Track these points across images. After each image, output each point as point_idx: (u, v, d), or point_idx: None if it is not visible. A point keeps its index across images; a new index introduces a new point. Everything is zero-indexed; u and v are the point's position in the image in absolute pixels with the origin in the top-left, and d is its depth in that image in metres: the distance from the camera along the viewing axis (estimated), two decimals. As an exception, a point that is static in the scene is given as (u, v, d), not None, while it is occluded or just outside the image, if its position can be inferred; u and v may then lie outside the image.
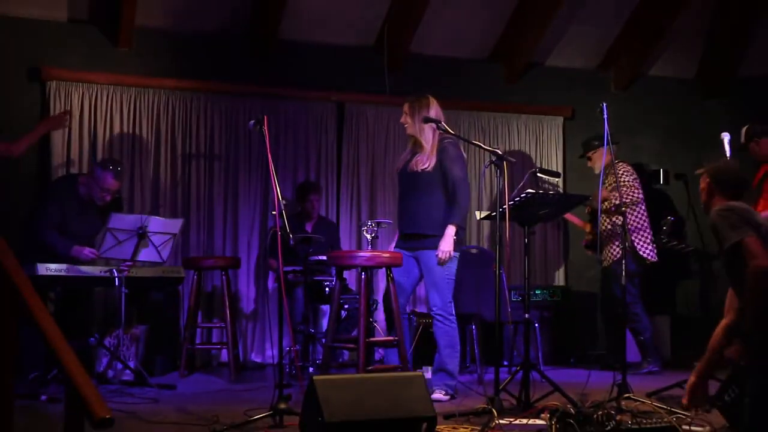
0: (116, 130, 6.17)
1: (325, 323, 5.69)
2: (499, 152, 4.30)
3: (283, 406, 3.76)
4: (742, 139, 5.40)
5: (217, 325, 6.06)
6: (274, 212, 4.01)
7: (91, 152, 6.07)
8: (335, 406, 3.21)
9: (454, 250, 4.61)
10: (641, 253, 5.81)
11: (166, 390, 4.85)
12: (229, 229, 6.43)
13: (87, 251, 5.06)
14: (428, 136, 4.67)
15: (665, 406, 4.03)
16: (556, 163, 7.18)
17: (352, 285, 5.97)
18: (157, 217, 5.09)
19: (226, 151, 6.46)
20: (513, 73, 7.14)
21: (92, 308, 5.32)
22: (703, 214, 5.52)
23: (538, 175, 6.07)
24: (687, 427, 3.68)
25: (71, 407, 2.26)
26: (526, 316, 4.37)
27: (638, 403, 4.07)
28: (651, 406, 4.05)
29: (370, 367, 4.61)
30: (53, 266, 4.85)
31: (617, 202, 5.74)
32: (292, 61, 6.63)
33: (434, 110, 4.71)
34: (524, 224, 4.51)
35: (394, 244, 4.97)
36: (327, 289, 5.62)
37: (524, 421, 3.85)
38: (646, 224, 5.94)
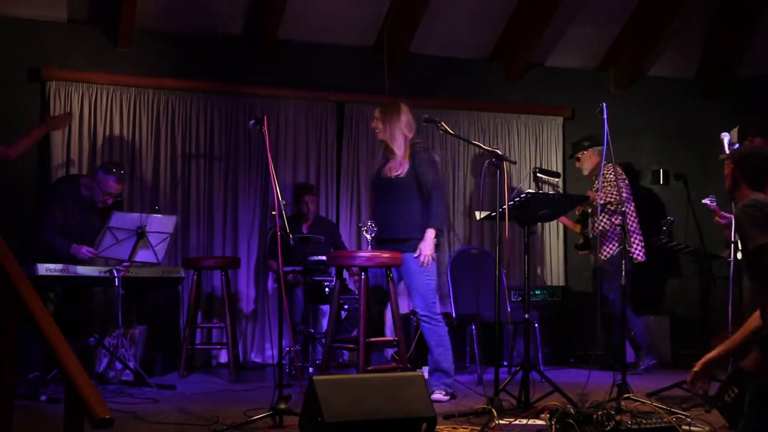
0: (116, 130, 6.17)
1: (324, 323, 5.69)
2: (499, 152, 4.30)
3: (282, 406, 3.76)
4: (735, 138, 5.41)
5: (217, 325, 6.06)
6: (273, 212, 4.01)
7: (90, 152, 6.06)
8: (335, 406, 3.21)
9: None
10: (631, 253, 5.82)
11: (165, 390, 4.85)
12: (228, 229, 6.43)
13: (84, 250, 5.06)
14: (400, 142, 4.70)
15: (665, 406, 4.03)
16: (555, 164, 7.18)
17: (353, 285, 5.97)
18: (156, 216, 5.09)
19: (225, 152, 6.46)
20: (513, 73, 7.14)
21: (92, 308, 5.32)
22: (703, 213, 5.55)
23: (538, 175, 6.08)
24: (687, 428, 3.68)
25: (71, 407, 2.26)
26: (526, 316, 4.37)
27: (638, 403, 4.07)
28: (651, 407, 4.05)
29: (370, 367, 4.61)
30: (53, 266, 4.85)
31: (602, 202, 5.77)
32: (291, 61, 6.63)
33: (405, 116, 4.74)
34: (524, 224, 4.51)
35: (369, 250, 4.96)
36: (327, 289, 5.62)
37: (524, 421, 3.85)
38: (635, 224, 5.95)
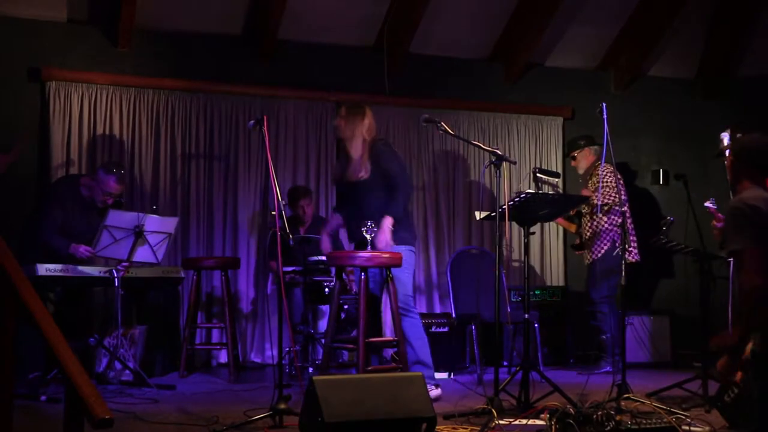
0: (116, 130, 6.17)
1: (324, 323, 5.69)
2: (499, 152, 4.31)
3: (282, 406, 3.76)
4: (725, 142, 5.43)
5: (217, 325, 6.06)
6: (273, 212, 4.01)
7: (90, 152, 6.06)
8: (335, 406, 3.21)
9: (408, 245, 4.71)
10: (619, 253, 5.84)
11: (165, 390, 4.85)
12: (228, 229, 6.43)
13: (83, 249, 5.06)
14: (357, 144, 4.74)
15: (665, 407, 4.03)
16: (555, 164, 7.18)
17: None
18: (153, 216, 5.09)
19: (225, 152, 6.46)
20: (513, 73, 7.14)
21: (92, 308, 5.32)
22: (703, 214, 5.55)
23: (538, 175, 6.08)
24: (687, 428, 3.68)
25: (71, 407, 2.26)
26: (526, 316, 4.37)
27: (638, 403, 4.07)
28: (651, 407, 4.05)
29: (370, 367, 4.61)
30: (53, 266, 4.85)
31: (598, 203, 5.79)
32: (291, 61, 6.63)
33: (368, 120, 4.77)
34: (524, 224, 4.51)
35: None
36: (327, 289, 5.62)
37: (524, 421, 3.85)
38: (629, 224, 5.95)
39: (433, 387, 4.54)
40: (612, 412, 3.78)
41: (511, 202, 4.24)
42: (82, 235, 5.17)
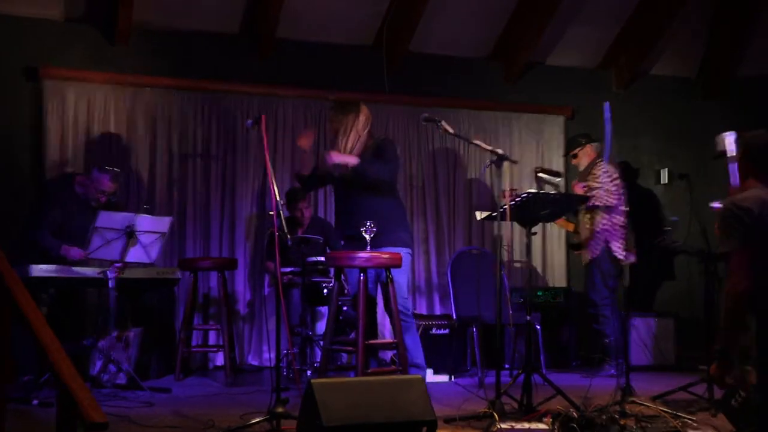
0: (112, 129, 6.13)
1: (322, 325, 5.65)
2: (500, 152, 4.28)
3: (280, 409, 3.72)
4: (727, 144, 5.39)
5: (214, 327, 6.03)
6: (271, 212, 3.97)
7: (86, 152, 6.03)
8: (333, 409, 3.17)
9: (407, 247, 4.78)
10: (615, 254, 5.82)
11: (161, 393, 4.82)
12: (225, 229, 6.39)
13: (74, 251, 5.03)
14: (353, 139, 4.81)
15: (670, 410, 4.00)
16: (556, 163, 7.15)
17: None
18: (145, 216, 5.06)
19: (223, 151, 6.42)
20: (513, 72, 7.12)
21: (86, 310, 5.28)
22: (707, 214, 5.52)
23: (540, 175, 6.05)
24: (692, 432, 3.65)
25: (64, 411, 2.23)
26: (528, 318, 4.33)
27: (642, 406, 4.04)
28: (656, 410, 4.02)
29: (369, 370, 4.57)
30: (46, 267, 4.82)
31: (600, 204, 5.77)
32: (290, 59, 6.60)
33: (363, 116, 4.84)
34: (525, 225, 4.47)
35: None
36: (325, 290, 5.58)
37: (526, 425, 3.82)
38: (624, 225, 5.91)
39: None
40: (616, 416, 3.75)
41: (512, 202, 4.20)
42: (75, 237, 5.13)
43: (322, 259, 5.46)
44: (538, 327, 5.86)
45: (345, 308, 5.57)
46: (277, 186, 4.01)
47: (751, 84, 7.44)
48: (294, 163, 6.57)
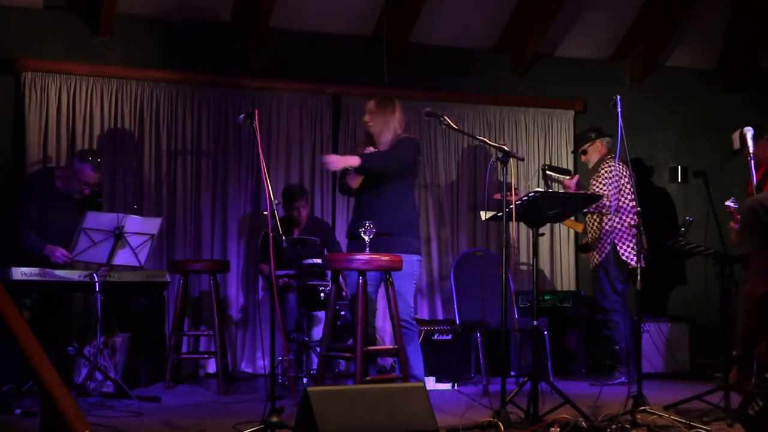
0: (96, 124, 6.16)
1: (319, 331, 5.68)
2: (506, 148, 4.30)
3: (275, 419, 3.76)
4: (737, 144, 5.43)
5: (205, 333, 6.05)
6: (265, 212, 4.00)
7: (69, 148, 6.05)
8: (331, 419, 3.21)
9: (418, 254, 4.85)
10: (623, 257, 5.84)
11: (149, 402, 4.85)
12: (217, 230, 6.42)
13: (59, 253, 5.04)
14: (388, 138, 4.86)
15: (684, 420, 4.03)
16: (566, 160, 7.18)
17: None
18: (134, 216, 5.08)
19: (214, 148, 6.45)
20: (520, 64, 7.14)
21: (71, 315, 5.31)
22: (724, 214, 5.55)
23: (548, 172, 6.07)
24: (707, 442, 3.68)
25: (48, 422, 2.26)
26: (535, 323, 4.36)
27: (655, 416, 4.06)
28: (669, 420, 4.05)
29: (368, 378, 4.61)
30: (29, 270, 4.84)
31: (613, 204, 5.79)
32: (284, 51, 6.62)
33: (399, 113, 4.91)
34: (532, 225, 4.50)
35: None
36: (322, 294, 5.61)
37: (533, 435, 3.86)
38: (631, 228, 5.92)
39: None
40: (627, 426, 3.78)
41: (519, 202, 4.23)
42: (57, 235, 5.16)
43: (319, 261, 5.49)
44: (545, 332, 5.89)
45: (342, 313, 5.61)
46: (271, 185, 4.04)
47: (776, 75, 7.48)
48: (288, 160, 6.61)
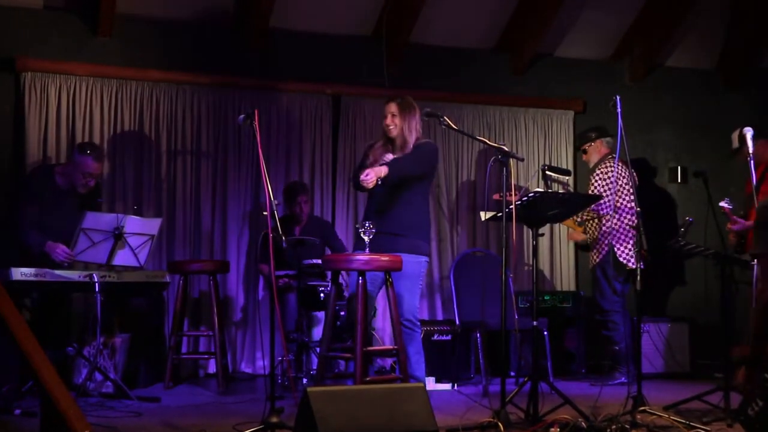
0: (96, 124, 6.16)
1: (319, 331, 5.68)
2: (506, 148, 4.31)
3: (275, 419, 3.76)
4: (736, 143, 5.44)
5: (205, 333, 6.05)
6: (265, 213, 4.01)
7: (68, 149, 6.05)
8: (330, 419, 3.21)
9: (426, 256, 4.89)
10: (621, 258, 5.84)
11: (149, 403, 4.85)
12: (217, 230, 6.42)
13: (60, 250, 5.04)
14: (413, 140, 4.88)
15: (684, 420, 4.03)
16: (566, 161, 7.18)
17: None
18: (134, 217, 5.09)
19: (214, 148, 6.45)
20: (520, 64, 7.14)
21: (70, 316, 5.32)
22: (723, 215, 5.56)
23: (547, 173, 6.08)
24: (707, 442, 3.69)
25: (47, 422, 2.26)
26: (534, 323, 4.36)
27: (655, 416, 4.07)
28: (669, 420, 4.06)
29: (368, 378, 4.61)
30: (29, 271, 4.84)
31: (613, 204, 5.80)
32: (284, 51, 6.63)
33: (418, 113, 4.93)
34: (532, 226, 4.51)
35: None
36: (322, 294, 5.62)
37: (533, 436, 3.86)
38: (630, 229, 5.92)
39: None
40: (627, 426, 3.78)
41: (519, 202, 4.24)
42: (58, 232, 5.15)
43: (319, 261, 5.49)
44: (545, 333, 5.89)
45: (342, 313, 5.61)
46: (271, 185, 4.04)
47: (776, 75, 7.48)
48: (288, 161, 6.61)
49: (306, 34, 6.67)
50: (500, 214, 4.31)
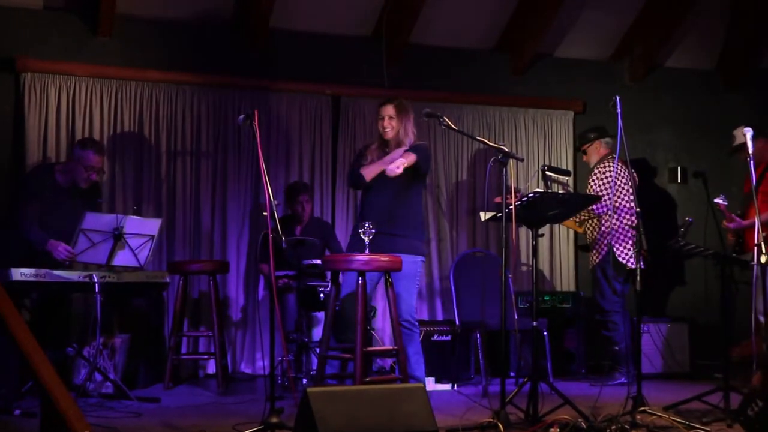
0: (96, 125, 6.17)
1: (319, 331, 5.68)
2: (505, 149, 4.31)
3: (274, 419, 3.76)
4: (747, 138, 5.43)
5: (204, 333, 6.05)
6: (265, 213, 4.01)
7: (68, 149, 6.05)
8: (330, 420, 3.21)
9: (422, 255, 4.99)
10: (620, 258, 5.84)
11: (149, 403, 4.85)
12: (217, 231, 6.42)
13: (62, 248, 5.03)
14: (410, 141, 4.97)
15: (684, 421, 4.03)
16: (566, 161, 7.18)
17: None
18: (134, 217, 5.09)
19: (214, 148, 6.45)
20: (520, 64, 7.14)
21: (70, 316, 5.32)
22: (722, 215, 5.57)
23: (547, 173, 6.08)
24: (706, 443, 3.69)
25: (47, 422, 2.27)
26: (534, 323, 4.36)
27: (654, 417, 4.07)
28: (668, 421, 4.06)
29: (367, 378, 4.61)
30: (28, 271, 4.84)
31: (615, 205, 5.80)
32: (284, 51, 6.63)
33: (412, 114, 5.06)
34: (532, 226, 4.51)
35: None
36: (322, 295, 5.62)
37: (532, 436, 3.86)
38: (629, 229, 5.92)
39: None
40: (627, 427, 3.79)
41: (519, 203, 4.24)
42: (57, 231, 5.16)
43: (319, 261, 5.50)
44: (545, 333, 5.89)
45: (337, 308, 5.63)
46: (271, 185, 4.04)
47: (775, 75, 7.48)
48: (288, 161, 6.62)
49: (306, 34, 6.67)
50: (500, 214, 4.31)
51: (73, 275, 5.00)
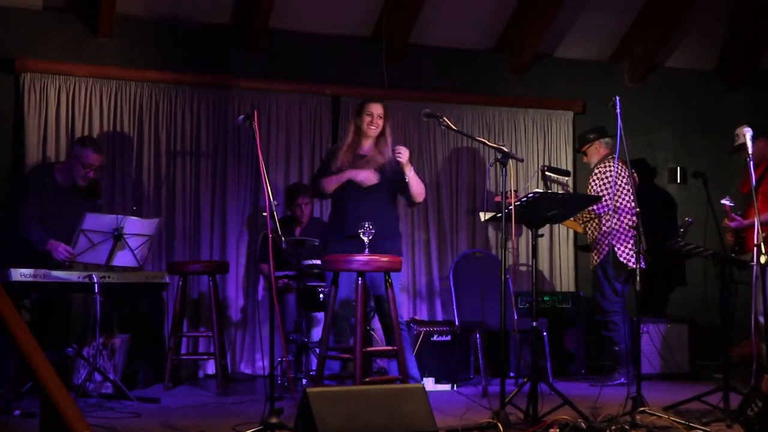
0: (95, 125, 6.17)
1: (318, 332, 5.68)
2: (505, 149, 4.31)
3: (274, 420, 3.76)
4: (748, 138, 5.44)
5: (204, 334, 6.06)
6: (264, 213, 4.01)
7: (68, 150, 6.05)
8: (330, 420, 3.22)
9: (401, 256, 5.06)
10: (621, 258, 5.84)
11: (149, 404, 4.85)
12: (216, 231, 6.42)
13: (62, 248, 5.04)
14: (390, 142, 5.05)
15: (683, 421, 4.04)
16: (565, 161, 7.18)
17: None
18: (133, 218, 5.09)
19: (213, 149, 6.46)
20: (520, 64, 7.14)
21: (70, 316, 5.31)
22: (722, 215, 5.57)
23: (547, 173, 6.08)
24: (706, 443, 3.69)
25: (47, 422, 2.27)
26: (534, 324, 4.37)
27: (654, 417, 4.07)
28: (668, 421, 4.06)
29: (367, 379, 4.62)
30: (28, 272, 4.84)
31: (615, 205, 5.80)
32: (284, 51, 6.63)
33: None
34: (532, 226, 4.51)
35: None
36: (321, 295, 5.62)
37: (532, 436, 3.86)
38: (630, 229, 5.92)
39: None
40: (626, 427, 3.79)
41: (518, 203, 4.24)
42: (57, 230, 5.16)
43: (318, 262, 5.50)
44: (545, 333, 5.89)
45: (321, 296, 5.65)
46: (270, 186, 4.05)
47: (775, 75, 7.48)
48: (288, 161, 6.62)
49: (306, 35, 6.67)
50: (500, 214, 4.32)
51: (72, 275, 5.00)
